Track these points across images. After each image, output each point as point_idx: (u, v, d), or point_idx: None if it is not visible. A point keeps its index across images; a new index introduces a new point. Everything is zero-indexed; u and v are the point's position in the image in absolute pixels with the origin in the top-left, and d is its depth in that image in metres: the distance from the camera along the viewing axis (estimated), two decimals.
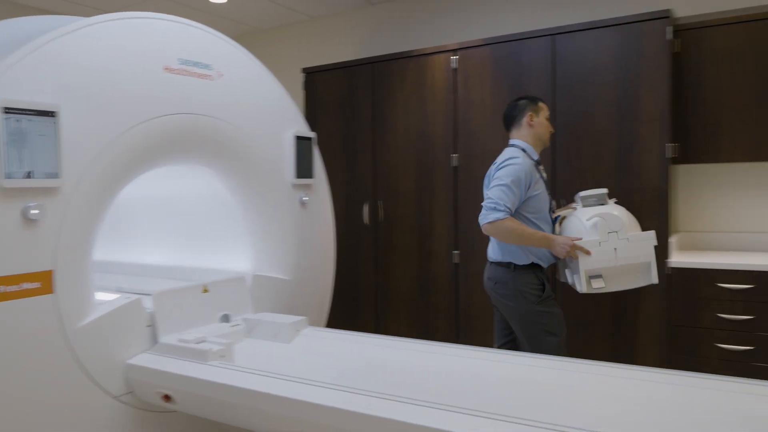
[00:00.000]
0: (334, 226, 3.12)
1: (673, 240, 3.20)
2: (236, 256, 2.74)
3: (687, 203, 3.54)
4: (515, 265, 2.58)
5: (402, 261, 3.87)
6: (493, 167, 2.62)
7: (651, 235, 2.48)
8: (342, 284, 4.07)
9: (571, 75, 3.29)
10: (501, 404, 1.60)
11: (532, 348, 2.56)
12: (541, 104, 2.69)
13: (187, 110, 2.26)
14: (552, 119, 3.31)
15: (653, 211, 3.08)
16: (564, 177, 3.32)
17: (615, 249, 2.45)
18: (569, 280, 2.60)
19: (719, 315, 2.98)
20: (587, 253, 2.42)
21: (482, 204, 2.51)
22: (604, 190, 2.64)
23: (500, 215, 2.43)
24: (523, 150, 2.60)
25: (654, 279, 2.51)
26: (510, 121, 2.69)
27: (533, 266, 2.58)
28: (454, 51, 3.63)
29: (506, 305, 2.62)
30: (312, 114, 4.19)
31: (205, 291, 2.30)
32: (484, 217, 2.47)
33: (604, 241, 2.44)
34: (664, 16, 3.05)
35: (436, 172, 3.72)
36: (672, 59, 3.15)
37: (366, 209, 3.99)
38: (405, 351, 2.16)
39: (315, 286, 2.93)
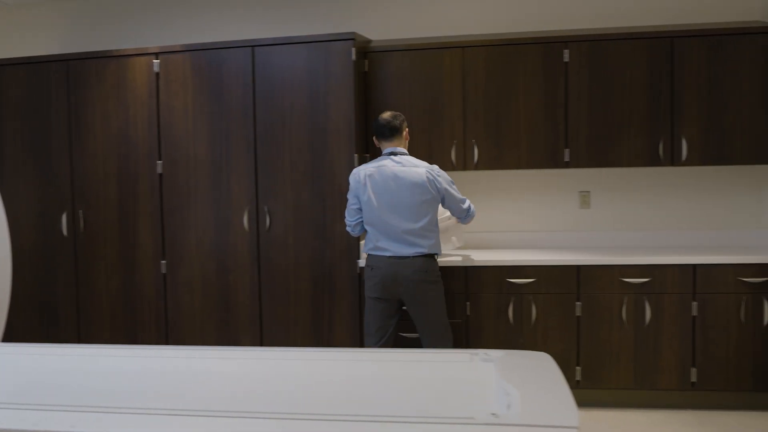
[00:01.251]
0: (9, 239, 2.83)
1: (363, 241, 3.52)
2: None
3: None
4: (435, 254, 3.02)
5: (106, 273, 3.65)
6: (424, 174, 2.93)
7: None
8: (36, 301, 3.72)
9: (269, 86, 3.43)
10: (150, 398, 1.63)
11: (441, 325, 3.02)
12: None
13: None
14: (253, 128, 3.45)
15: (337, 215, 3.34)
16: (265, 183, 3.45)
17: None
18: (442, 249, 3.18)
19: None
20: None
21: (464, 207, 3.04)
22: None
23: (472, 204, 3.10)
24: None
25: None
26: (395, 132, 3.03)
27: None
28: (156, 55, 3.55)
29: (430, 290, 2.99)
30: None
31: None
32: (473, 212, 3.10)
33: None
34: (350, 38, 3.35)
35: (140, 179, 3.59)
36: (361, 78, 3.48)
37: (64, 219, 3.68)
38: (72, 357, 2.09)
39: None
